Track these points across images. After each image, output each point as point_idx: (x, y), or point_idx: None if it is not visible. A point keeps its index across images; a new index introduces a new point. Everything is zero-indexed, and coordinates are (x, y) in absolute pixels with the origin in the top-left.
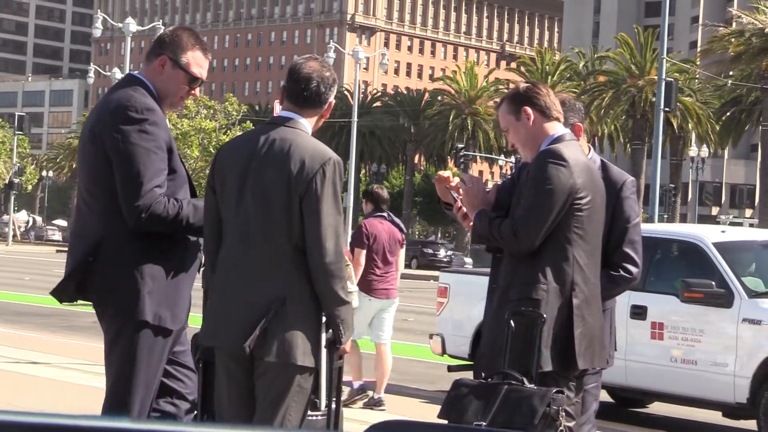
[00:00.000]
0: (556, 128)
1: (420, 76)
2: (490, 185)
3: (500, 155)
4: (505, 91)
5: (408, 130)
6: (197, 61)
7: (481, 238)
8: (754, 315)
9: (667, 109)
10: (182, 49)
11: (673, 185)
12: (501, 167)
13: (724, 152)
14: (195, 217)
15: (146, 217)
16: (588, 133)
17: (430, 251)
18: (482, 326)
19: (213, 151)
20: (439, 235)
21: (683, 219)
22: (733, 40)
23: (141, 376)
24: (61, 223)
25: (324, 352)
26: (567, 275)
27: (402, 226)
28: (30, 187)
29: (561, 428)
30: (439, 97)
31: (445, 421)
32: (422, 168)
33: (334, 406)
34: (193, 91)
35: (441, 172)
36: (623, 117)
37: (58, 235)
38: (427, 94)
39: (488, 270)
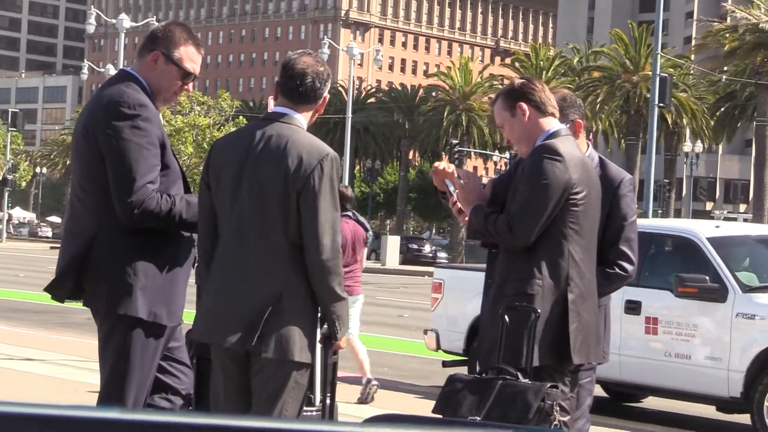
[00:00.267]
0: (551, 123)
1: (414, 72)
2: (485, 180)
3: (495, 151)
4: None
5: (402, 126)
6: (190, 56)
7: (476, 233)
8: (748, 310)
9: (661, 104)
10: (175, 44)
11: (667, 180)
12: (495, 163)
13: (718, 147)
14: (188, 213)
15: (139, 213)
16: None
17: (415, 246)
18: (479, 321)
19: (207, 147)
20: (434, 231)
21: (677, 214)
22: (727, 35)
23: (135, 373)
24: (55, 220)
25: (319, 347)
26: (562, 270)
27: (366, 224)
28: (24, 184)
29: (555, 423)
30: (434, 93)
31: (440, 417)
32: (417, 164)
33: (328, 401)
34: (186, 87)
35: (437, 164)
36: (617, 112)
37: (49, 232)
38: (421, 90)
39: (482, 265)
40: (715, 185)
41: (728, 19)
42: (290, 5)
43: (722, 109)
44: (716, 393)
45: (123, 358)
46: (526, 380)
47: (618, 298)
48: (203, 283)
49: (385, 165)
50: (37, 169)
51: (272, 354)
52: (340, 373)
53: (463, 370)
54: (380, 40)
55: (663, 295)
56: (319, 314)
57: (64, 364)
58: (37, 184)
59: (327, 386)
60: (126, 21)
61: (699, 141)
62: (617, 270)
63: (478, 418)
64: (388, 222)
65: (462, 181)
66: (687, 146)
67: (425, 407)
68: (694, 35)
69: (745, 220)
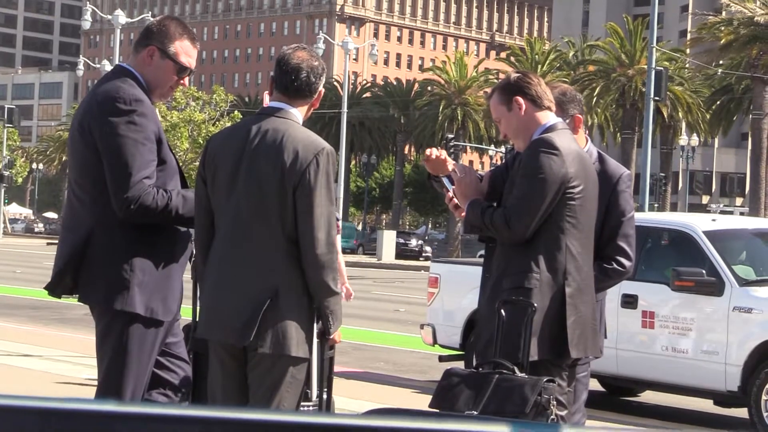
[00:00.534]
0: (548, 117)
1: (410, 66)
2: (482, 173)
3: (490, 145)
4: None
5: (398, 120)
6: (185, 51)
7: (473, 227)
8: (745, 303)
9: (657, 98)
10: (170, 38)
11: (663, 174)
12: (491, 157)
13: (714, 141)
14: (185, 208)
15: (135, 209)
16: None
17: (401, 241)
18: (475, 316)
19: (202, 142)
20: (430, 225)
21: (674, 208)
22: (722, 28)
23: (132, 369)
24: (51, 215)
25: (315, 342)
26: (560, 264)
27: (338, 217)
28: (20, 180)
29: (552, 417)
30: (429, 88)
31: (437, 411)
32: (412, 158)
33: (325, 396)
34: (182, 81)
35: (429, 151)
36: (613, 106)
37: (40, 227)
38: (416, 85)
39: (476, 260)
40: (711, 179)
41: (723, 12)
42: (285, 0)
43: (718, 102)
44: (713, 387)
45: (120, 354)
46: (523, 374)
47: (615, 292)
48: (200, 278)
49: (380, 160)
50: (34, 165)
51: (269, 349)
52: (336, 368)
53: (459, 365)
54: (375, 35)
55: (660, 288)
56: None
57: (61, 360)
58: (34, 180)
59: (324, 381)
60: (121, 17)
61: (695, 134)
62: (615, 265)
63: (475, 413)
64: (384, 217)
65: (459, 176)
66: (683, 140)
67: (422, 402)
68: (689, 28)
69: (742, 214)
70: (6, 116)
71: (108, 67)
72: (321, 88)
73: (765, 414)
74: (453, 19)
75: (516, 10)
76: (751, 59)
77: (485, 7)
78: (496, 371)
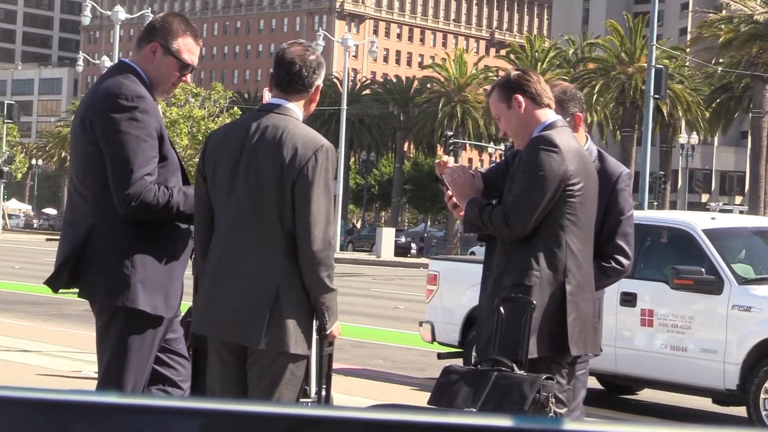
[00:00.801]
0: (547, 115)
1: (409, 63)
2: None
3: (490, 143)
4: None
5: (397, 117)
6: (188, 48)
7: (472, 226)
8: (744, 302)
9: (656, 96)
10: (173, 35)
11: (662, 172)
12: (491, 155)
13: (714, 139)
14: (185, 205)
15: (136, 205)
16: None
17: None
18: (474, 313)
19: (202, 139)
20: (429, 223)
21: (673, 206)
22: (722, 26)
23: (133, 364)
24: (51, 211)
25: (314, 339)
26: (560, 261)
27: None
28: (20, 176)
29: (551, 414)
30: (429, 85)
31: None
32: (412, 156)
33: (324, 393)
34: (184, 78)
35: (442, 159)
36: (613, 104)
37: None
38: (416, 82)
39: (475, 257)
40: (711, 177)
41: (723, 10)
42: None
43: (718, 100)
44: (712, 385)
45: (121, 350)
46: (522, 372)
47: (613, 290)
48: (200, 274)
49: (380, 157)
50: (33, 161)
51: (268, 346)
52: (335, 365)
53: (458, 362)
54: (375, 32)
55: (659, 287)
56: None
57: (60, 356)
58: (33, 176)
59: (323, 378)
60: (121, 13)
61: (694, 133)
62: (613, 264)
63: (474, 410)
64: (383, 214)
65: (453, 177)
66: (682, 138)
67: (420, 399)
68: (689, 26)
69: (741, 212)
70: (5, 112)
71: (108, 63)
72: (318, 83)
73: (764, 412)
74: (453, 16)
75: (516, 8)
76: (751, 57)
77: (485, 5)
78: (495, 369)
